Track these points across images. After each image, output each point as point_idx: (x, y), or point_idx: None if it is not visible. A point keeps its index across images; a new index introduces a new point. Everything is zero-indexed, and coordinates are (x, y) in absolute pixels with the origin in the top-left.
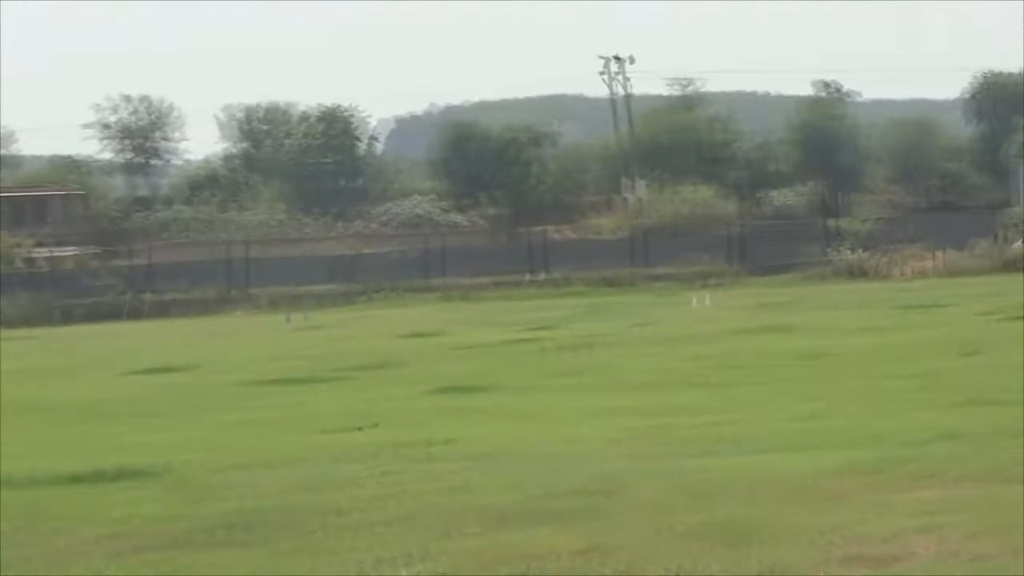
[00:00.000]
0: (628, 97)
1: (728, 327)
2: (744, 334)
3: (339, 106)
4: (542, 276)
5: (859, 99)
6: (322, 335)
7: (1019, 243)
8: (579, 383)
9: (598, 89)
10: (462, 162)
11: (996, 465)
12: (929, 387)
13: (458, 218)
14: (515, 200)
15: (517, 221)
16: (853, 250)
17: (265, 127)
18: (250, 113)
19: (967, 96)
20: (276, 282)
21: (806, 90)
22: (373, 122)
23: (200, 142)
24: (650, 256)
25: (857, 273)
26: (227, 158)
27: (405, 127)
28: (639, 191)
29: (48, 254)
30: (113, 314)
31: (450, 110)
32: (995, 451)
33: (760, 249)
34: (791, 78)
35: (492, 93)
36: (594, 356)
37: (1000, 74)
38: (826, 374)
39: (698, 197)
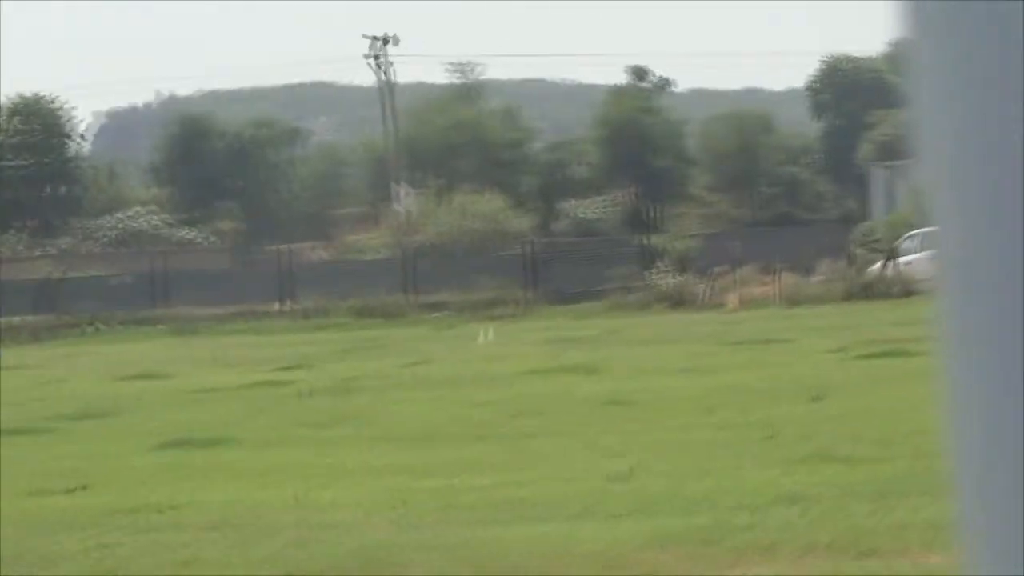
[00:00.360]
0: (391, 86)
1: (519, 367)
2: (539, 375)
3: (40, 96)
4: (288, 305)
5: (676, 89)
6: (22, 377)
7: (877, 265)
8: (338, 435)
9: (363, 76)
10: (191, 165)
11: (846, 534)
12: (766, 440)
13: (187, 234)
14: (257, 212)
15: (260, 237)
16: (674, 274)
17: None
18: None
19: (812, 85)
20: None
21: (613, 78)
22: (83, 116)
23: None
24: (424, 281)
25: (677, 301)
26: None
27: (121, 122)
28: (407, 201)
29: None
30: None
31: (176, 102)
32: (845, 517)
33: (559, 272)
34: (593, 63)
35: (227, 81)
36: (356, 402)
37: (849, 58)
38: (638, 424)
39: (482, 209)
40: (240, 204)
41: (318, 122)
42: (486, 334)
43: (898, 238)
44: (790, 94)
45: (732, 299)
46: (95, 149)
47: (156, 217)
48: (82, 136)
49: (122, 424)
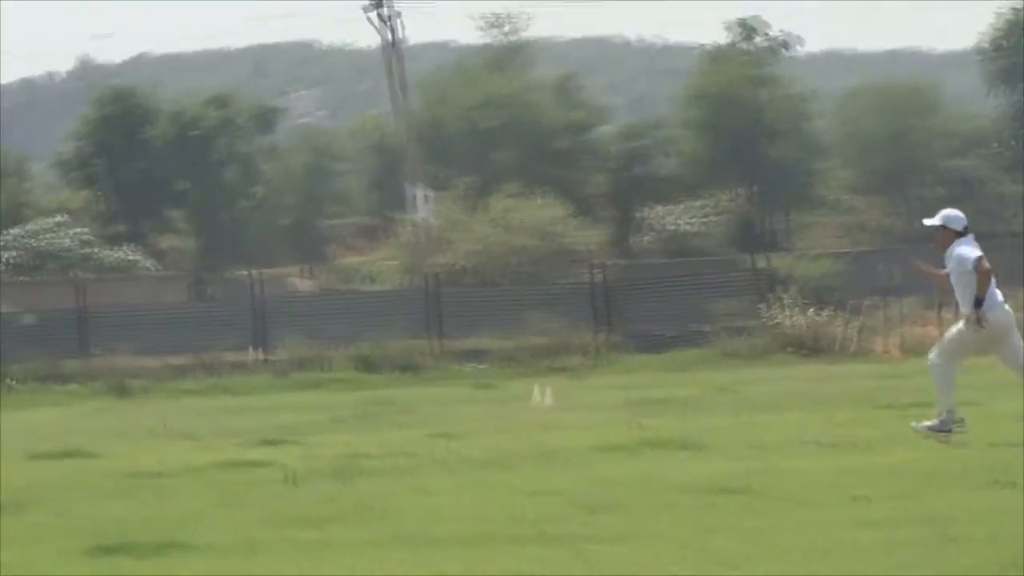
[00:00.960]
0: (395, 46)
1: (590, 440)
2: (618, 452)
3: None
4: (264, 354)
5: (801, 51)
6: None
7: None
8: (336, 537)
9: (361, 35)
10: (122, 159)
11: None
12: (939, 542)
13: (120, 255)
14: (217, 224)
15: (223, 260)
16: (805, 309)
17: None
18: None
19: (989, 44)
20: None
21: (712, 36)
22: None
23: None
24: (455, 320)
25: (810, 348)
26: None
27: (19, 100)
28: (420, 208)
29: None
30: None
31: (99, 71)
32: None
33: (642, 307)
34: (684, 17)
35: (170, 43)
36: (362, 490)
37: None
38: (759, 521)
39: (533, 218)
40: (192, 213)
41: (299, 98)
42: (542, 393)
43: None
44: (956, 58)
45: (887, 344)
46: None
47: (75, 231)
48: None
49: (36, 522)
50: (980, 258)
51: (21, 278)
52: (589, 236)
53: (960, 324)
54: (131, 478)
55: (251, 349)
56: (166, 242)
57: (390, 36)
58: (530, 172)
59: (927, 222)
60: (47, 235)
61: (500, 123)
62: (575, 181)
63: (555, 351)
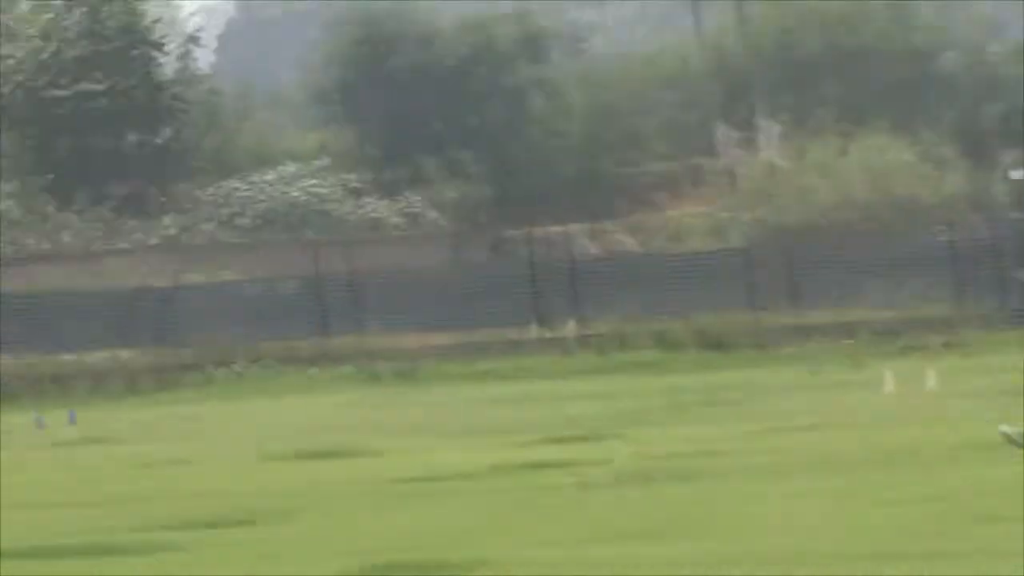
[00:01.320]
0: None
1: (967, 437)
2: (1001, 451)
3: None
4: (539, 332)
5: None
6: (110, 456)
7: None
8: (647, 555)
9: None
10: (382, 95)
11: None
12: None
13: (381, 209)
14: (496, 173)
15: (502, 214)
16: None
17: None
18: None
19: None
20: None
21: None
22: (190, 13)
23: None
24: (790, 288)
25: None
26: None
27: (256, 25)
28: (768, 147)
29: None
30: None
31: None
32: None
33: None
34: None
35: None
36: (686, 495)
37: None
38: None
39: (886, 164)
40: (470, 157)
41: (603, 16)
42: (910, 379)
43: None
44: None
45: None
46: (222, 65)
47: (325, 180)
48: (193, 42)
49: (288, 536)
50: None
51: (244, 240)
52: (952, 184)
53: None
54: (403, 483)
55: (533, 325)
56: (447, 194)
57: None
58: (872, 108)
59: (1014, 175)
60: (288, 186)
61: (832, 49)
62: (924, 119)
63: (914, 327)
